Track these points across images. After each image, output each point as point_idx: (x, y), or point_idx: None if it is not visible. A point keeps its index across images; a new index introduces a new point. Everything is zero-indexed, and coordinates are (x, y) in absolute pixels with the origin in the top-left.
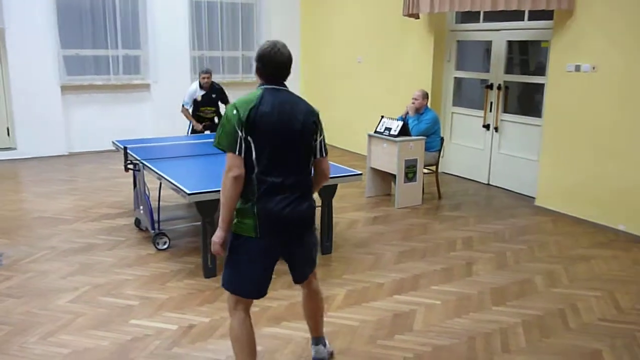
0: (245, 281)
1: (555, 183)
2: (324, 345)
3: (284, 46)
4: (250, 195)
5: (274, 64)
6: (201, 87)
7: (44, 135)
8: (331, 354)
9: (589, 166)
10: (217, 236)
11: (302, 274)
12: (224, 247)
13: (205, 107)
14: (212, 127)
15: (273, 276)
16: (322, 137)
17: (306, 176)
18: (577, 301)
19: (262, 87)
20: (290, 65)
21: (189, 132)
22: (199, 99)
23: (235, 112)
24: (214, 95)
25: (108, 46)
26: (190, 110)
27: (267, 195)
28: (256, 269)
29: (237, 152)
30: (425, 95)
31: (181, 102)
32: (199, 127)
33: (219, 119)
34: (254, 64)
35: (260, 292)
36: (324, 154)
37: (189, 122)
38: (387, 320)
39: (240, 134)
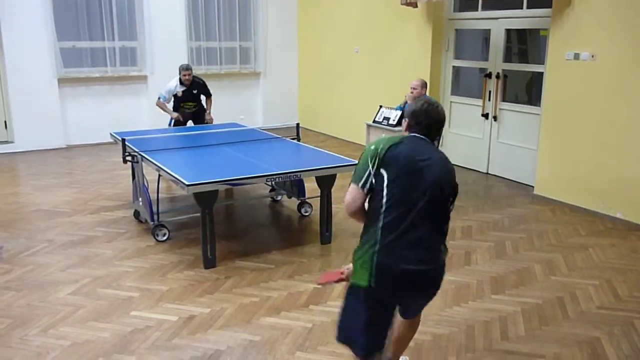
0: None
1: (554, 172)
2: None
3: (439, 105)
4: None
5: (422, 120)
6: (182, 83)
7: (42, 128)
8: None
9: (587, 155)
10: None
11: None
12: None
13: (186, 103)
14: (196, 119)
15: (272, 266)
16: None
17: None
18: (576, 289)
19: (409, 134)
20: (443, 126)
21: (171, 125)
22: (180, 94)
23: (374, 146)
24: (195, 91)
25: (104, 38)
26: (171, 106)
27: None
28: None
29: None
30: (424, 85)
31: (157, 96)
32: (175, 115)
33: (201, 113)
34: (405, 121)
35: None
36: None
37: (170, 120)
38: None
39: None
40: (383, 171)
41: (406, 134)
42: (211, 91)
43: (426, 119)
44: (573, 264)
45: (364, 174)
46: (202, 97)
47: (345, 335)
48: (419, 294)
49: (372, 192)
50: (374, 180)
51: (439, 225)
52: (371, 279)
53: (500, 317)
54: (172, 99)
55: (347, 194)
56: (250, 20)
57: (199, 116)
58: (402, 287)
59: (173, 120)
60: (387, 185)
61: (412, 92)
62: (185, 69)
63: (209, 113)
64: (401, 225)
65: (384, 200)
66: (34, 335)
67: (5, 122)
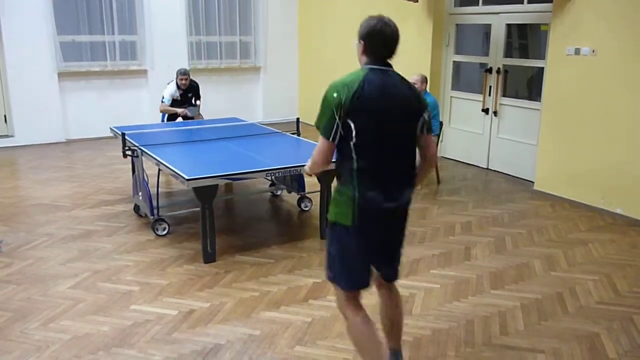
0: None
1: (554, 167)
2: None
3: (391, 20)
4: None
5: (382, 40)
6: (179, 87)
7: (42, 123)
8: None
9: (587, 150)
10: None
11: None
12: None
13: (181, 106)
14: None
15: (272, 261)
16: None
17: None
18: (575, 285)
19: (367, 67)
20: (398, 41)
21: (164, 121)
22: (178, 98)
23: (335, 94)
24: (190, 94)
25: (104, 32)
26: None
27: None
28: None
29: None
30: (424, 80)
31: (160, 99)
32: (182, 110)
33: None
34: (358, 43)
35: None
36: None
37: (162, 115)
38: None
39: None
40: (350, 121)
41: (364, 58)
42: (209, 88)
43: (383, 38)
44: (573, 259)
45: (332, 125)
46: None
47: (332, 272)
48: (395, 230)
49: (341, 137)
50: (342, 131)
51: (409, 162)
52: (354, 219)
53: (500, 312)
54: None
55: (317, 149)
56: (250, 15)
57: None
58: (380, 223)
59: (166, 117)
60: (357, 133)
61: None
62: (183, 73)
63: (199, 114)
64: (374, 167)
65: (355, 145)
66: (34, 328)
67: (5, 116)
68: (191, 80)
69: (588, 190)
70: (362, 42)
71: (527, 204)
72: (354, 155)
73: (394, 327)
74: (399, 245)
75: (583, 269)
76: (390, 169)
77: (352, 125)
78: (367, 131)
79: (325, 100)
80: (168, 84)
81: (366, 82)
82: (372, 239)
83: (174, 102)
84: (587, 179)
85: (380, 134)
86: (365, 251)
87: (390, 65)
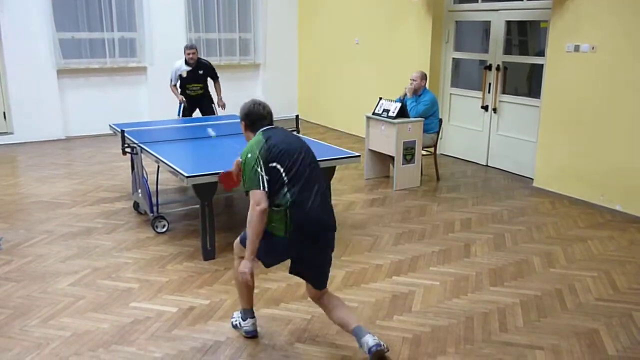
0: None
1: (554, 164)
2: (369, 332)
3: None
4: None
5: (258, 116)
6: (187, 63)
7: (41, 120)
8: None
9: (587, 147)
10: (248, 267)
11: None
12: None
13: (191, 84)
14: (202, 106)
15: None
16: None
17: None
18: (575, 281)
19: (260, 131)
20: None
21: (180, 115)
22: (184, 75)
23: (249, 155)
24: (200, 72)
25: (104, 29)
26: (170, 81)
27: None
28: None
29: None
30: (423, 77)
31: (169, 82)
32: (181, 97)
33: (207, 99)
34: (242, 123)
35: None
36: None
37: (178, 104)
38: (386, 302)
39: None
40: (274, 164)
41: (250, 133)
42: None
43: (265, 112)
44: (572, 256)
45: (259, 178)
46: (210, 83)
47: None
48: (322, 243)
49: (270, 183)
50: (267, 177)
51: (324, 186)
52: (287, 230)
53: (499, 309)
54: (178, 82)
55: (253, 201)
56: (250, 12)
57: (206, 103)
58: (312, 233)
59: (181, 110)
60: (284, 170)
61: (411, 84)
62: (189, 47)
63: (221, 99)
64: (304, 192)
65: (285, 180)
66: (34, 325)
67: (4, 113)
68: (202, 59)
69: (587, 187)
70: (243, 122)
71: (527, 200)
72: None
73: (342, 318)
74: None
75: (582, 266)
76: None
77: (278, 165)
78: (290, 165)
79: (246, 165)
80: (177, 61)
81: (268, 134)
82: None
83: (182, 80)
84: (586, 175)
85: (299, 166)
86: None
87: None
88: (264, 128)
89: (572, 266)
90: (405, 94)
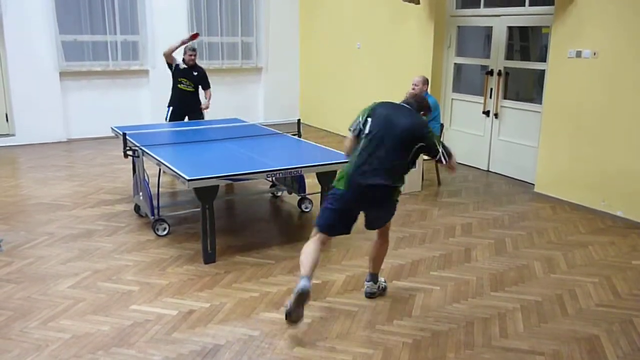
0: None
1: (555, 169)
2: (375, 282)
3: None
4: None
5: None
6: (185, 63)
7: (43, 122)
8: (383, 289)
9: (588, 153)
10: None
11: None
12: None
13: (184, 79)
14: (191, 110)
15: (272, 262)
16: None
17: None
18: (575, 287)
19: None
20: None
21: (167, 119)
22: (181, 68)
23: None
24: (195, 73)
25: (106, 32)
26: (171, 82)
27: None
28: None
29: None
30: (425, 81)
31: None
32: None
33: (196, 102)
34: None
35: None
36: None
37: (167, 109)
38: (386, 306)
39: None
40: (369, 119)
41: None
42: (211, 85)
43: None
44: (573, 262)
45: (355, 123)
46: (201, 92)
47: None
48: (372, 204)
49: (360, 132)
50: (361, 126)
51: (390, 160)
52: (346, 186)
53: (500, 314)
54: (172, 74)
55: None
56: (252, 16)
57: (195, 109)
58: (362, 196)
59: (169, 113)
60: (369, 127)
61: (413, 89)
62: (191, 49)
63: (207, 105)
64: (367, 152)
65: (364, 136)
66: (34, 327)
67: (6, 115)
68: (198, 65)
69: (588, 192)
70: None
71: (528, 206)
72: None
73: (375, 260)
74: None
75: (583, 271)
76: None
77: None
78: (374, 126)
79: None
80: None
81: (385, 104)
82: None
83: (177, 71)
84: (587, 181)
85: (379, 131)
86: None
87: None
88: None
89: (573, 271)
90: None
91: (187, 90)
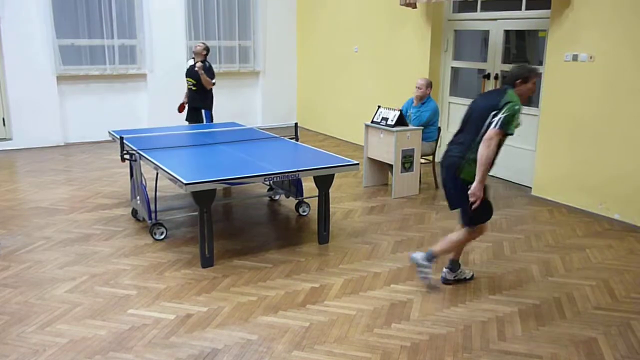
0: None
1: (552, 173)
2: (453, 269)
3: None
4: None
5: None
6: (193, 58)
7: (40, 126)
8: (462, 279)
9: (585, 156)
10: (480, 189)
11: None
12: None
13: (188, 78)
14: (192, 107)
15: (269, 265)
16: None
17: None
18: (573, 290)
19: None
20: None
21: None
22: (187, 68)
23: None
24: (195, 68)
25: (104, 36)
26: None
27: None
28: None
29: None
30: (429, 84)
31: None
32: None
33: (197, 100)
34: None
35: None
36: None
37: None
38: (384, 309)
39: None
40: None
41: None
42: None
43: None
44: (570, 265)
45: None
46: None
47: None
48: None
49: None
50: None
51: (470, 140)
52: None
53: (498, 318)
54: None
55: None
56: (249, 19)
57: (195, 105)
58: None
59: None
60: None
61: (417, 91)
62: (203, 43)
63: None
64: (455, 135)
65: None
66: (31, 332)
67: (3, 119)
68: (207, 62)
69: (586, 195)
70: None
71: (525, 209)
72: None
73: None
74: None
75: (581, 275)
76: None
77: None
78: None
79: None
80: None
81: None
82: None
83: (186, 73)
84: (584, 184)
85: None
86: None
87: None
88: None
89: (571, 275)
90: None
91: (191, 89)
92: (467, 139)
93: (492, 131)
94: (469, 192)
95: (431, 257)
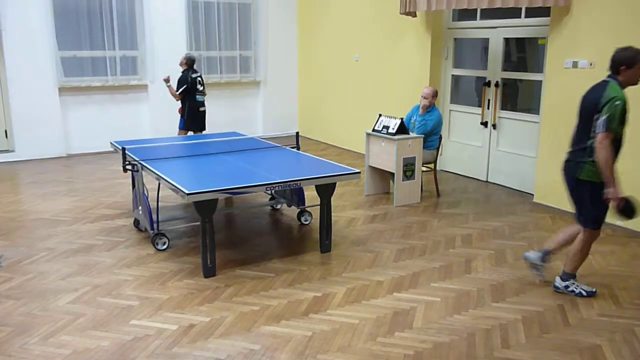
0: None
1: (554, 179)
2: (563, 279)
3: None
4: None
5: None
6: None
7: (42, 137)
8: (573, 293)
9: None
10: (613, 192)
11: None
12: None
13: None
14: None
15: (272, 275)
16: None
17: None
18: (576, 297)
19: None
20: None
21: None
22: (194, 76)
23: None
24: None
25: (105, 47)
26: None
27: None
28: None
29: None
30: (435, 94)
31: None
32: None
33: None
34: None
35: None
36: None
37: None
38: (387, 318)
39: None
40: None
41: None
42: (209, 102)
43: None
44: None
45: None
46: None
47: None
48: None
49: None
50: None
51: (580, 135)
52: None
53: (501, 325)
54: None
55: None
56: (250, 30)
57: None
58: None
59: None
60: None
61: (423, 100)
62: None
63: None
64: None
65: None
66: (34, 343)
67: (5, 131)
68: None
69: None
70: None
71: (528, 216)
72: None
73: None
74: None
75: (584, 281)
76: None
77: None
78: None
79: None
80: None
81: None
82: None
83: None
84: None
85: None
86: None
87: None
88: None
89: None
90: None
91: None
92: (581, 141)
93: (599, 135)
94: (604, 196)
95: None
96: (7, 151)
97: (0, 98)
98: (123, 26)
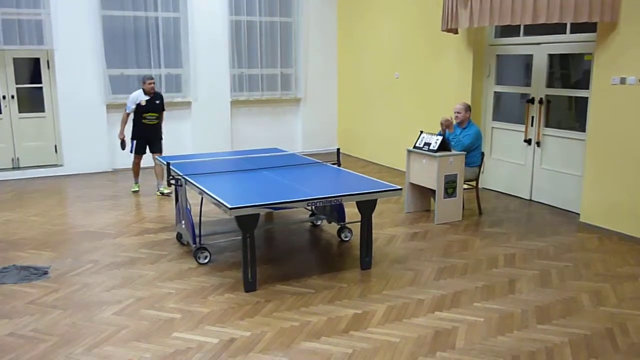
0: None
1: (600, 199)
2: None
3: None
4: None
5: None
6: (146, 93)
7: (89, 152)
8: None
9: (634, 181)
10: None
11: None
12: None
13: (148, 113)
14: (154, 137)
15: (312, 291)
16: None
17: None
18: (626, 320)
19: None
20: None
21: (133, 151)
22: (143, 103)
23: None
24: (157, 102)
25: (151, 65)
26: (132, 117)
27: None
28: None
29: None
30: (467, 108)
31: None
32: (122, 136)
33: (158, 129)
34: None
35: None
36: None
37: (131, 142)
38: (428, 337)
39: None
40: None
41: None
42: (250, 119)
43: None
44: (622, 294)
45: None
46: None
47: None
48: None
49: None
50: None
51: None
52: None
53: (547, 348)
54: (136, 112)
55: None
56: (291, 48)
57: (158, 137)
58: None
59: (134, 146)
60: None
61: (456, 117)
62: (149, 78)
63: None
64: None
65: None
66: (79, 353)
67: (55, 146)
68: (158, 91)
69: (637, 222)
70: None
71: (573, 236)
72: None
73: None
74: None
75: (634, 305)
76: None
77: None
78: None
79: None
80: (134, 92)
81: None
82: None
83: (139, 109)
84: (636, 211)
85: None
86: None
87: None
88: None
89: (623, 305)
90: (445, 130)
91: (151, 123)
92: None
93: None
94: None
95: None
96: (56, 165)
97: (51, 114)
98: (168, 45)
